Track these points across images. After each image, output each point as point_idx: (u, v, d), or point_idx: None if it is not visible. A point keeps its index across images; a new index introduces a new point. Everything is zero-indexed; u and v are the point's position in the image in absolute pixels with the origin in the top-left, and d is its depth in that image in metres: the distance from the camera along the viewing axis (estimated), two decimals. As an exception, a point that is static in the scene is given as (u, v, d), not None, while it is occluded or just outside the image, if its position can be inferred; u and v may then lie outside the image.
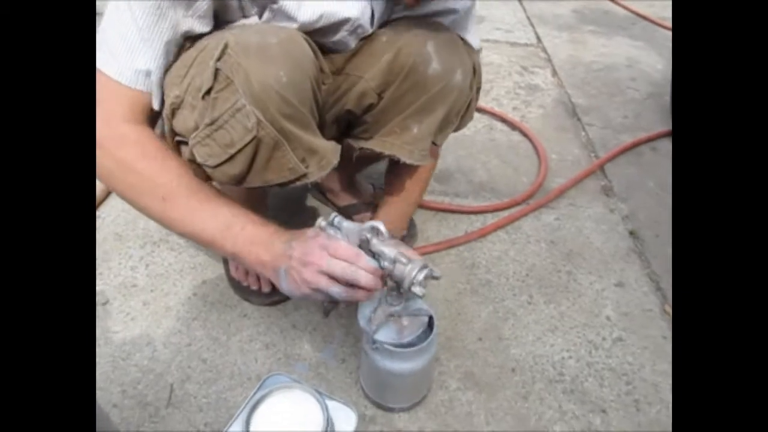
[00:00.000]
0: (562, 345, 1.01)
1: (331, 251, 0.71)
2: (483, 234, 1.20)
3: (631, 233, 1.26)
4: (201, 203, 0.75)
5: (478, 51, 0.96)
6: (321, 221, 0.75)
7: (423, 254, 1.16)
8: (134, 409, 0.86)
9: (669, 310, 1.10)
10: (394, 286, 0.75)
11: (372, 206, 1.18)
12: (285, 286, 0.74)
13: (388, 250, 0.72)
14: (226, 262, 1.08)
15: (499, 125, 1.58)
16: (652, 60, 1.97)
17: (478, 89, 0.93)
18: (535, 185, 1.34)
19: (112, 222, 1.17)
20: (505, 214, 1.27)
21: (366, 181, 1.27)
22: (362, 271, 0.70)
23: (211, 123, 0.70)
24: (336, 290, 0.70)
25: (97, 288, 1.04)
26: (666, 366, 0.99)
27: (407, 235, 1.17)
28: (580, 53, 2.00)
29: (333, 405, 0.63)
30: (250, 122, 0.69)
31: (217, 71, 0.69)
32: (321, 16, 0.77)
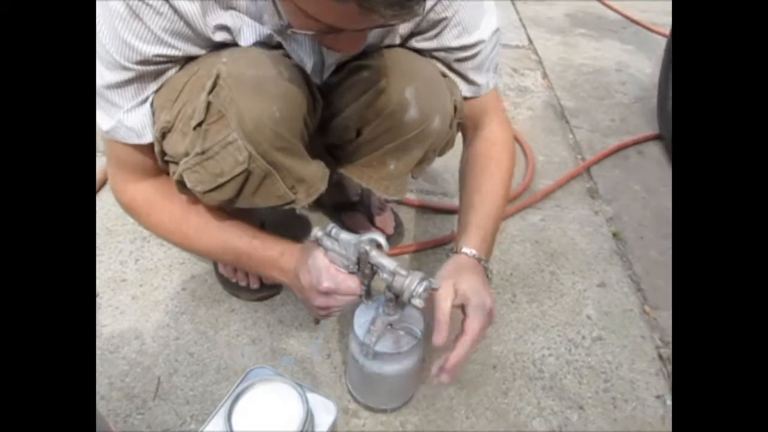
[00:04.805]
0: (543, 343, 1.04)
1: (341, 293, 0.75)
2: (469, 233, 1.22)
3: (615, 235, 1.29)
4: (211, 238, 0.84)
5: (496, 32, 0.84)
6: (317, 231, 0.75)
7: (409, 253, 1.18)
8: (122, 401, 0.88)
9: (649, 310, 1.12)
10: (392, 297, 0.76)
11: (358, 204, 1.20)
12: (301, 301, 0.82)
13: (387, 262, 0.73)
14: (215, 258, 1.09)
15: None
16: (642, 64, 1.99)
17: (459, 124, 0.89)
18: (522, 186, 1.37)
19: (104, 216, 1.18)
20: (492, 214, 1.29)
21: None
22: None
23: (202, 153, 0.72)
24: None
25: (87, 282, 1.05)
26: (644, 365, 1.02)
27: (395, 234, 1.19)
28: (571, 56, 2.02)
29: (313, 398, 0.65)
30: (241, 156, 0.70)
31: (209, 104, 0.70)
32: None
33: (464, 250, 0.82)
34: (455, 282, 0.76)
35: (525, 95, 1.77)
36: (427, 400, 0.92)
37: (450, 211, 1.29)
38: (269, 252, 0.81)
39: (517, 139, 1.54)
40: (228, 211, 0.87)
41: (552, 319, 1.08)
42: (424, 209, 1.29)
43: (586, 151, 1.55)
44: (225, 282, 1.06)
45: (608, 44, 2.13)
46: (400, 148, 0.84)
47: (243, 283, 1.04)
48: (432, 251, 1.19)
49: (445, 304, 0.74)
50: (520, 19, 2.25)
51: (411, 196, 1.31)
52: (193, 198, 0.81)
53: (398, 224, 1.21)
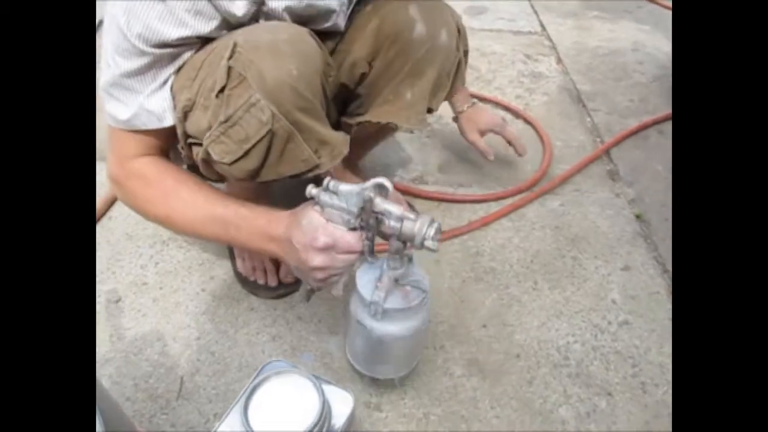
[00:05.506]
0: (567, 330, 1.01)
1: (340, 249, 0.71)
2: (486, 222, 1.21)
3: (638, 217, 1.25)
4: (198, 209, 0.80)
5: None
6: (311, 189, 0.72)
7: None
8: (146, 402, 0.89)
9: (676, 292, 1.09)
10: (398, 248, 0.72)
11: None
12: (296, 272, 0.78)
13: (394, 208, 0.69)
14: (232, 258, 1.10)
15: (503, 114, 1.58)
16: (659, 43, 1.94)
17: (466, 52, 0.94)
18: (539, 172, 1.34)
19: (123, 222, 1.20)
20: (509, 201, 1.27)
21: (366, 170, 1.28)
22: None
23: (226, 120, 0.72)
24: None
25: (110, 286, 1.06)
26: (673, 348, 0.99)
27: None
28: (585, 39, 1.98)
29: (330, 389, 0.65)
30: (264, 116, 0.70)
31: (229, 69, 0.71)
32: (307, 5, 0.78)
33: (460, 108, 1.19)
34: (476, 126, 1.20)
35: (539, 81, 1.74)
36: (449, 391, 0.91)
37: (466, 201, 1.27)
38: (257, 221, 0.77)
39: (533, 125, 1.52)
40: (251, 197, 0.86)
41: (576, 305, 1.06)
42: (440, 201, 1.28)
43: (604, 133, 1.51)
44: (243, 281, 1.06)
45: (623, 25, 2.08)
46: (413, 73, 0.87)
47: (261, 282, 1.04)
48: (450, 242, 1.18)
49: (480, 140, 1.22)
50: (532, 5, 2.21)
51: (428, 188, 1.30)
52: (185, 174, 0.82)
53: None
